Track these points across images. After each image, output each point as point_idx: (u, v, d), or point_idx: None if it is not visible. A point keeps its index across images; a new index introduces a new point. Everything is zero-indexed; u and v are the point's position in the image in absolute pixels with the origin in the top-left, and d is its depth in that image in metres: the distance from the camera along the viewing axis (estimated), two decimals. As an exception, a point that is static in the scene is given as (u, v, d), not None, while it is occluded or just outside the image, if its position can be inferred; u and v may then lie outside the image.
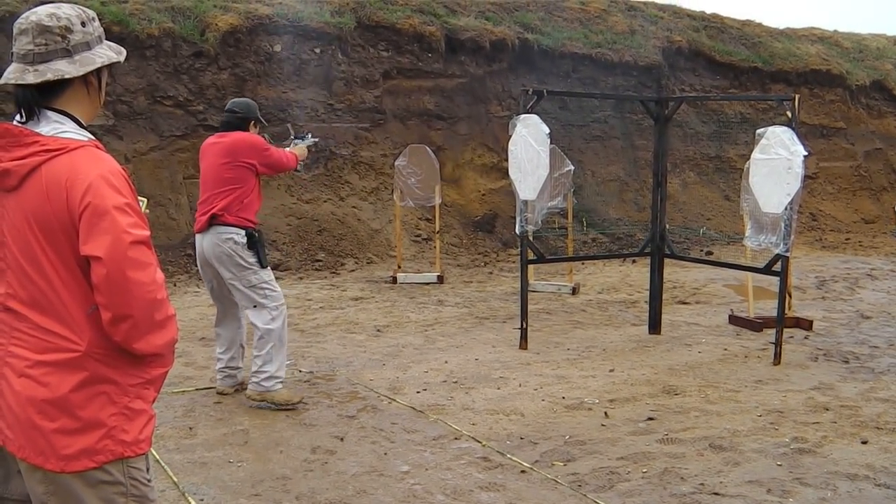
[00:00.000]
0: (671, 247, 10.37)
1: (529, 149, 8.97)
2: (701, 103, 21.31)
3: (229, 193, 6.98)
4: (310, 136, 8.01)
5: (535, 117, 9.02)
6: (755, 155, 8.74)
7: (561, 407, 7.29)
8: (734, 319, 10.62)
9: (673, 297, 12.40)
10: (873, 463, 6.17)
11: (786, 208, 8.44)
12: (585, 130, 19.52)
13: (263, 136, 7.34)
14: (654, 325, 10.09)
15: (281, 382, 7.08)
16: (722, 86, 22.03)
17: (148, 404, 2.91)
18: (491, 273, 14.47)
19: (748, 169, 8.86)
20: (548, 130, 8.97)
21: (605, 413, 7.10)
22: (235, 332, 7.46)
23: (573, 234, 13.84)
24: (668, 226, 10.37)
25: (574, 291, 12.59)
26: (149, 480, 2.95)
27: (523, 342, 9.26)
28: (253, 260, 6.94)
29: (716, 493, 5.52)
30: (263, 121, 7.50)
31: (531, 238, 9.91)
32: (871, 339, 10.14)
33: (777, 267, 8.83)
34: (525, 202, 9.10)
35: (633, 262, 15.24)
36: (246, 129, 7.20)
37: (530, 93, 9.34)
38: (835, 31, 26.95)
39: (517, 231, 9.27)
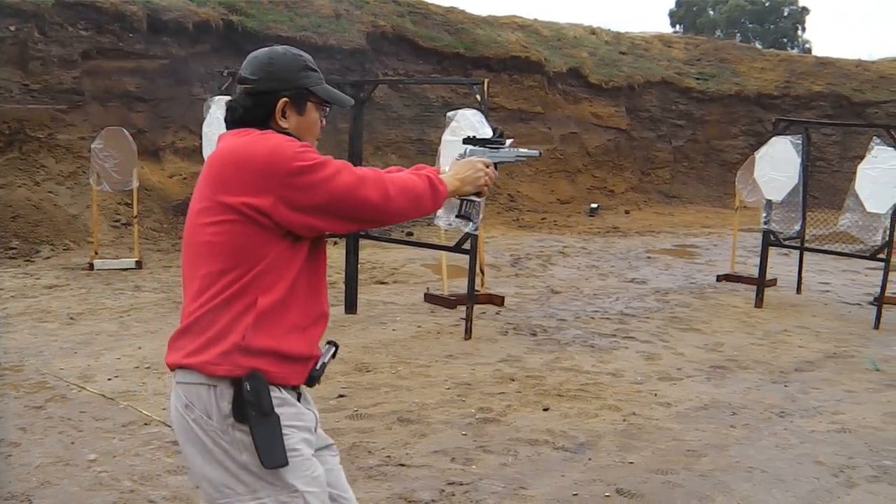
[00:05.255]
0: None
1: (223, 131, 8.91)
2: (404, 87, 21.71)
3: None
4: (508, 144, 3.59)
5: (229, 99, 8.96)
6: (446, 137, 9.05)
7: (255, 388, 7.30)
8: (429, 297, 10.93)
9: (371, 278, 12.63)
10: (553, 428, 6.53)
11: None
12: (289, 113, 19.50)
13: None
14: (351, 305, 10.25)
15: None
16: (425, 70, 22.50)
17: None
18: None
19: (441, 151, 9.16)
20: (243, 113, 8.93)
21: (299, 392, 7.18)
22: None
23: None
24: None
25: (275, 274, 12.58)
26: None
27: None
28: None
29: (402, 465, 5.71)
30: None
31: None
32: (560, 312, 10.67)
33: (467, 245, 9.16)
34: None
35: (335, 243, 15.39)
36: None
37: (226, 73, 9.30)
38: (535, 19, 27.97)
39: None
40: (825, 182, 25.08)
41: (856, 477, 5.91)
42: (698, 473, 5.83)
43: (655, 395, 7.59)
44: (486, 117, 8.91)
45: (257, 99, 3.02)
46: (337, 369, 7.87)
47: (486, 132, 8.68)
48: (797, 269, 13.29)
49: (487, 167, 3.39)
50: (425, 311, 10.48)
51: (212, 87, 17.90)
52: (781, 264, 14.36)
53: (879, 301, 11.14)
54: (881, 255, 11.01)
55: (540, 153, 3.89)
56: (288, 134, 2.99)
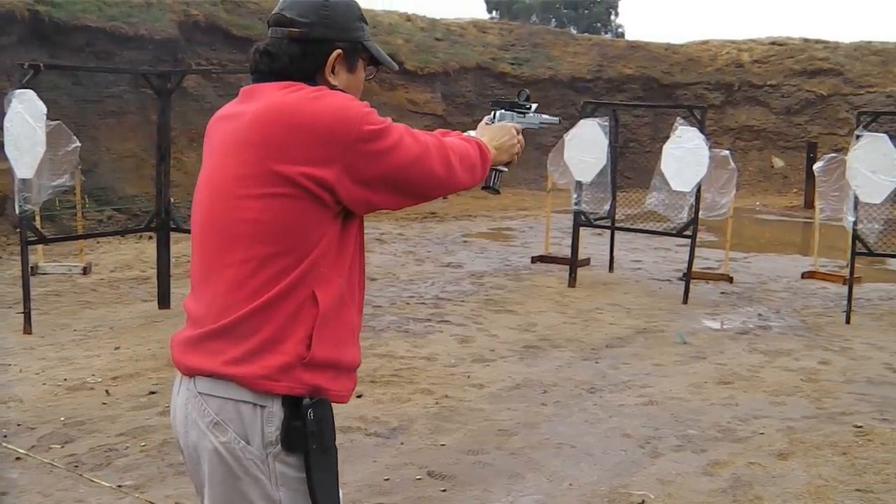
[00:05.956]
0: (178, 220, 10.37)
1: (26, 125, 8.65)
2: (217, 77, 21.41)
3: None
4: (534, 109, 3.24)
5: (30, 92, 8.70)
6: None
7: (62, 389, 7.11)
8: (245, 288, 10.81)
9: (186, 272, 12.34)
10: (366, 415, 6.54)
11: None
12: (100, 106, 19.02)
13: None
14: (164, 300, 10.05)
15: None
16: (239, 60, 22.18)
17: None
18: (0, 258, 13.81)
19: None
20: (44, 107, 8.69)
21: (107, 391, 7.02)
22: None
23: (88, 213, 13.49)
24: (172, 199, 10.36)
25: (85, 271, 12.27)
26: None
27: (27, 326, 8.92)
28: None
29: (213, 459, 5.63)
30: None
31: (41, 218, 9.56)
32: (375, 299, 10.68)
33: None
34: (23, 181, 8.77)
35: (150, 238, 15.07)
36: None
37: (26, 67, 9.02)
38: (349, 8, 27.91)
39: (17, 211, 8.94)
40: (637, 163, 25.79)
41: (661, 447, 6.11)
42: (509, 452, 5.94)
43: (468, 377, 7.70)
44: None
45: (308, 47, 2.49)
46: (148, 365, 7.74)
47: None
48: (609, 248, 13.64)
49: (518, 134, 3.02)
50: (241, 303, 10.35)
51: (14, 81, 17.35)
52: (595, 244, 14.69)
53: (687, 276, 11.51)
54: (687, 232, 11.39)
55: (559, 120, 3.54)
56: (312, 82, 2.50)
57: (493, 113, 3.05)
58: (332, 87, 2.50)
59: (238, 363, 2.33)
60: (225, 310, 2.36)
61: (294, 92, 2.40)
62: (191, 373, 2.42)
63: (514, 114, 3.08)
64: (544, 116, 3.24)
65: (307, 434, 2.32)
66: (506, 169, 3.02)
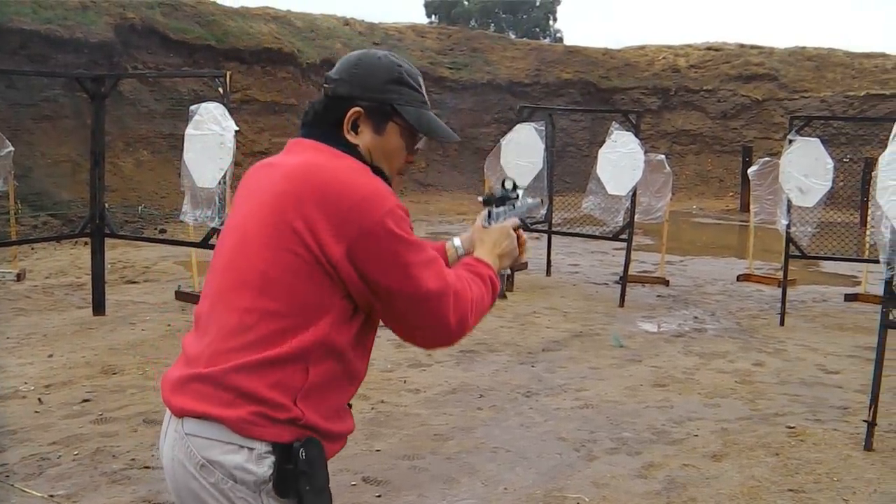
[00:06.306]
0: (112, 226, 10.27)
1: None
2: (154, 81, 21.25)
3: None
4: (521, 194, 3.03)
5: (-41, 97, 8.60)
6: (189, 131, 8.92)
7: (-6, 398, 7.04)
8: (180, 295, 10.73)
9: (122, 277, 12.33)
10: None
11: (219, 183, 8.66)
12: (35, 110, 18.80)
13: None
14: (99, 307, 9.95)
15: None
16: (176, 63, 22.07)
17: None
18: (-69, 264, 13.62)
19: (186, 145, 9.03)
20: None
21: (40, 399, 6.93)
22: None
23: (22, 219, 13.32)
24: (107, 204, 10.27)
25: (19, 278, 12.12)
26: None
27: (-42, 334, 8.83)
28: None
29: (146, 467, 5.59)
30: None
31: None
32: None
33: (215, 241, 9.04)
34: (-48, 187, 8.67)
35: (86, 243, 14.92)
36: None
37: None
38: (288, 10, 27.85)
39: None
40: (575, 167, 25.95)
41: (596, 450, 6.15)
42: (444, 457, 5.95)
43: (405, 381, 7.70)
44: (229, 110, 8.82)
45: (331, 102, 2.50)
46: (82, 373, 7.66)
47: (229, 125, 8.60)
48: (546, 251, 13.70)
49: (515, 229, 2.85)
50: (176, 310, 10.27)
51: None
52: (533, 248, 14.72)
53: (623, 280, 11.60)
54: (623, 236, 11.48)
55: (542, 200, 3.40)
56: (356, 152, 2.48)
57: (486, 212, 2.89)
58: (351, 145, 2.48)
59: (227, 406, 2.27)
60: (216, 356, 2.32)
61: (336, 159, 2.42)
62: (181, 413, 2.35)
63: (507, 208, 2.93)
64: (529, 200, 3.09)
65: (299, 475, 2.26)
66: (508, 271, 2.94)
